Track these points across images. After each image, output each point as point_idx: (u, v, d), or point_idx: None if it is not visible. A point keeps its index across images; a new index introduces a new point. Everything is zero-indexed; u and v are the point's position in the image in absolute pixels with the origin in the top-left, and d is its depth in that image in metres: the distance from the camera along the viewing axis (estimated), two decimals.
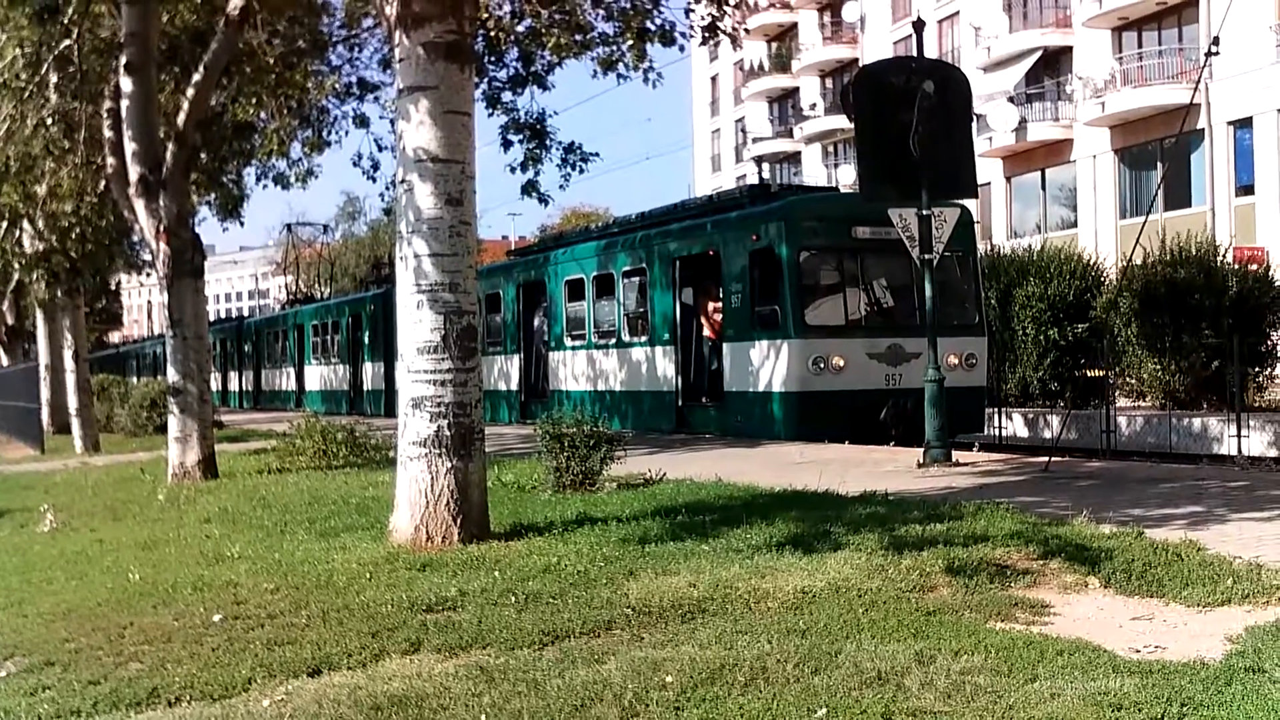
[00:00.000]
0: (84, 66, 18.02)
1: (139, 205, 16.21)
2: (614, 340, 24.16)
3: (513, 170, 19.38)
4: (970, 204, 19.88)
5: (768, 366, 19.58)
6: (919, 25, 15.82)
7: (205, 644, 6.75)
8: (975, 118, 22.51)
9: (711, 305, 21.49)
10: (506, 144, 19.27)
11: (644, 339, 23.14)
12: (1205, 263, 24.21)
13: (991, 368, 22.38)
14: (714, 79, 76.15)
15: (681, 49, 17.89)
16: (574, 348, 25.57)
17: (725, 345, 20.81)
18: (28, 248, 26.46)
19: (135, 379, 47.83)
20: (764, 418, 19.66)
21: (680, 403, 22.11)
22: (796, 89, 65.17)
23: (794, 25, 64.87)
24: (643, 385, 23.14)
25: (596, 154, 19.77)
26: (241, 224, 24.84)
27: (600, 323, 24.82)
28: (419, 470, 9.24)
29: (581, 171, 19.75)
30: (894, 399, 18.84)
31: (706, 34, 16.34)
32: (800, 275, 19.59)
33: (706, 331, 21.63)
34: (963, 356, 19.78)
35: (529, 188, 19.55)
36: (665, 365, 22.42)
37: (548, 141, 19.22)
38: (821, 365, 18.95)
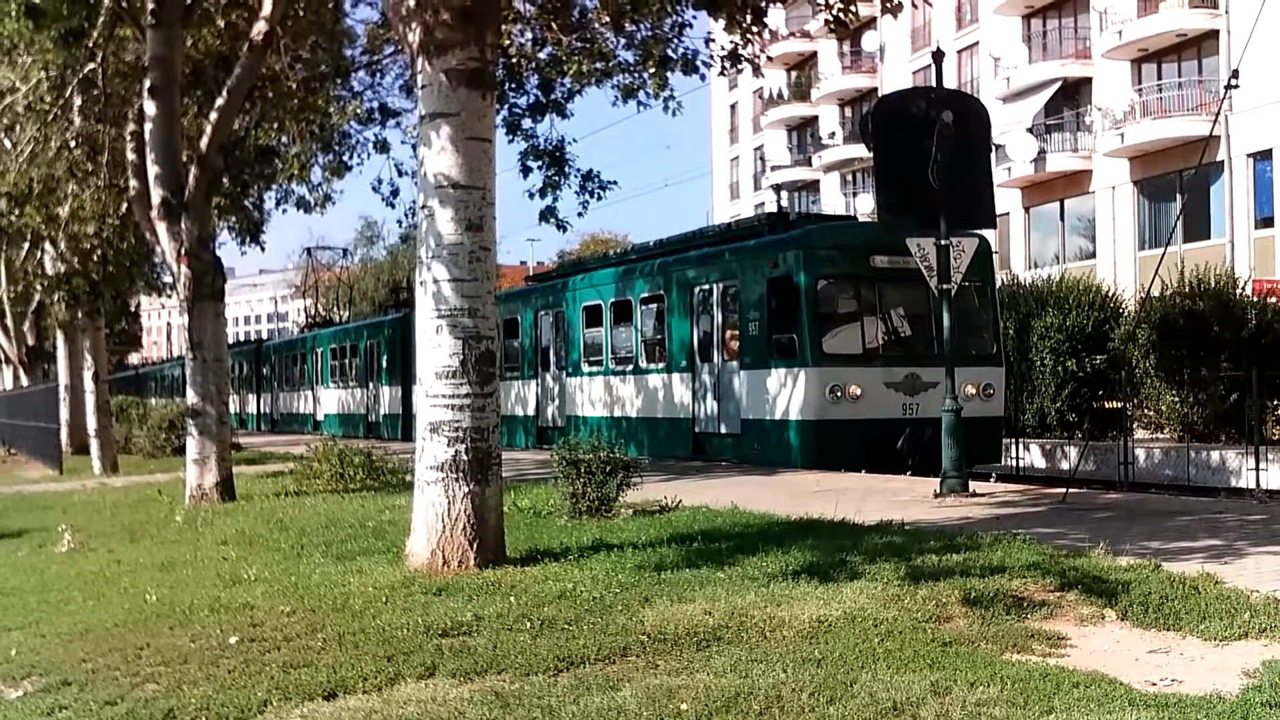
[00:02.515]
0: (108, 90, 18.18)
1: (161, 228, 16.31)
2: (631, 366, 24.18)
3: (531, 196, 19.54)
4: (989, 234, 19.90)
5: (785, 394, 19.56)
6: (938, 55, 15.85)
7: (221, 666, 6.77)
8: (994, 148, 22.52)
9: (729, 333, 21.48)
10: (526, 170, 19.41)
11: (661, 365, 23.16)
12: (1224, 295, 24.16)
13: (1009, 398, 22.32)
14: (733, 107, 76.32)
15: (703, 77, 18.01)
16: (591, 374, 25.60)
17: (742, 373, 20.79)
18: (49, 269, 26.64)
19: (154, 400, 48.02)
20: (781, 446, 19.63)
21: (697, 430, 22.11)
22: (815, 118, 65.30)
23: (813, 54, 65.00)
24: (659, 412, 23.14)
25: (615, 182, 19.90)
26: (262, 248, 25.06)
27: (618, 349, 24.85)
28: (436, 494, 9.26)
29: (600, 199, 19.88)
30: (911, 428, 18.81)
31: (727, 62, 16.42)
32: (818, 304, 19.60)
33: (723, 359, 21.62)
34: (980, 386, 19.74)
35: (547, 214, 19.67)
36: (682, 392, 22.42)
37: (566, 168, 19.34)
38: (839, 394, 18.92)
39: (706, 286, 21.97)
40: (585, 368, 25.86)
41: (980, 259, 18.31)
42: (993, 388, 20.13)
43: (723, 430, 21.46)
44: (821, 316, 19.64)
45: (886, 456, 18.45)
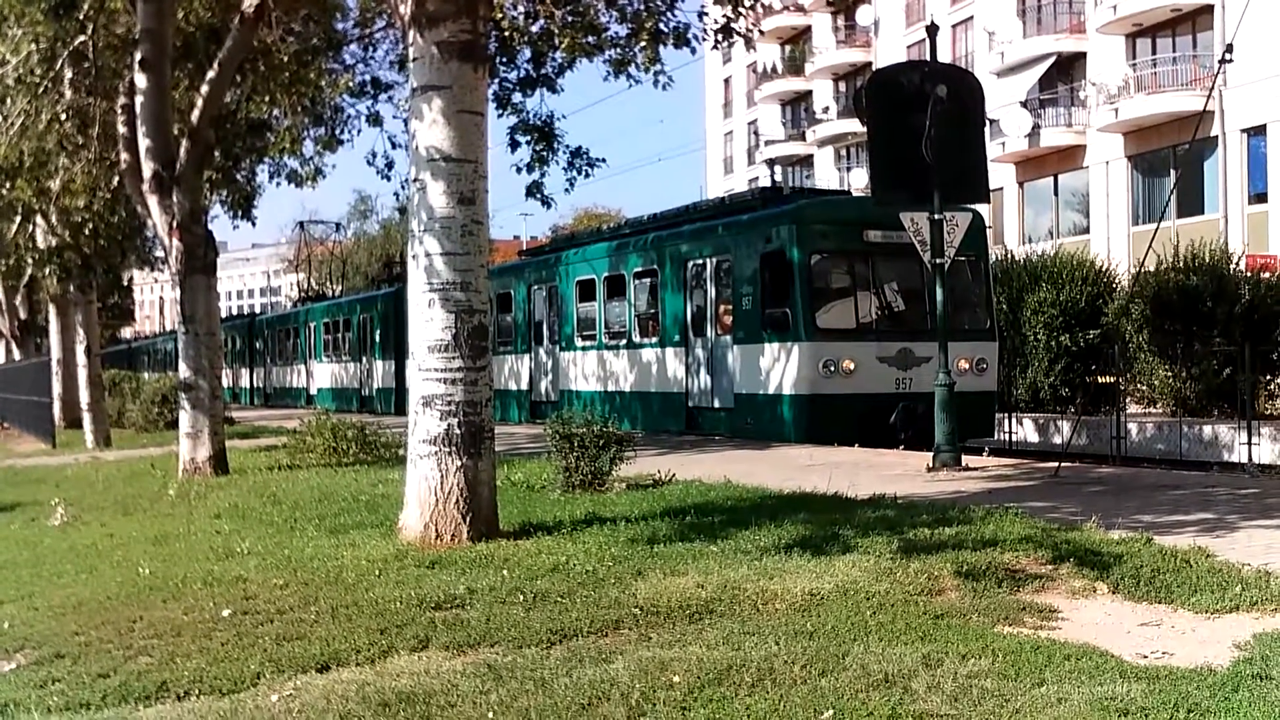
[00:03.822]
0: (99, 62, 18.09)
1: (152, 201, 16.26)
2: (624, 341, 24.17)
3: (519, 171, 19.47)
4: (983, 209, 19.85)
5: (778, 369, 19.56)
6: (933, 30, 15.81)
7: (214, 639, 6.78)
8: (988, 122, 22.45)
9: (723, 307, 21.49)
10: (514, 145, 19.33)
11: (654, 340, 23.15)
12: (1218, 270, 24.15)
13: (1002, 373, 22.34)
14: (727, 81, 76.09)
15: (694, 51, 17.93)
16: (584, 348, 25.59)
17: (736, 347, 20.79)
18: (41, 243, 26.56)
19: (147, 374, 47.95)
20: (774, 420, 19.66)
21: (690, 404, 22.13)
22: (809, 92, 65.11)
23: (807, 28, 64.81)
24: (653, 386, 23.15)
25: (603, 159, 19.82)
26: (253, 222, 24.94)
27: (611, 323, 24.84)
28: (429, 468, 9.26)
29: (587, 175, 19.80)
30: (904, 403, 18.83)
31: (720, 36, 16.35)
32: (811, 278, 19.58)
33: (717, 333, 21.61)
34: (973, 361, 19.76)
35: (533, 189, 19.61)
36: (675, 366, 22.42)
37: (555, 144, 19.27)
38: (832, 368, 18.94)
39: (700, 261, 21.95)
40: (579, 342, 25.85)
41: (974, 233, 18.28)
42: (986, 362, 20.15)
43: (716, 405, 21.48)
44: (815, 291, 19.64)
45: (879, 431, 18.47)
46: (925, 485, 12.56)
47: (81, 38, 17.45)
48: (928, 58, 15.85)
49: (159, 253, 29.88)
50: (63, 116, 18.95)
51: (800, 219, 19.97)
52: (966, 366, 19.39)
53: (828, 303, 19.88)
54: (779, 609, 6.94)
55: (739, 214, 22.15)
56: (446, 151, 9.30)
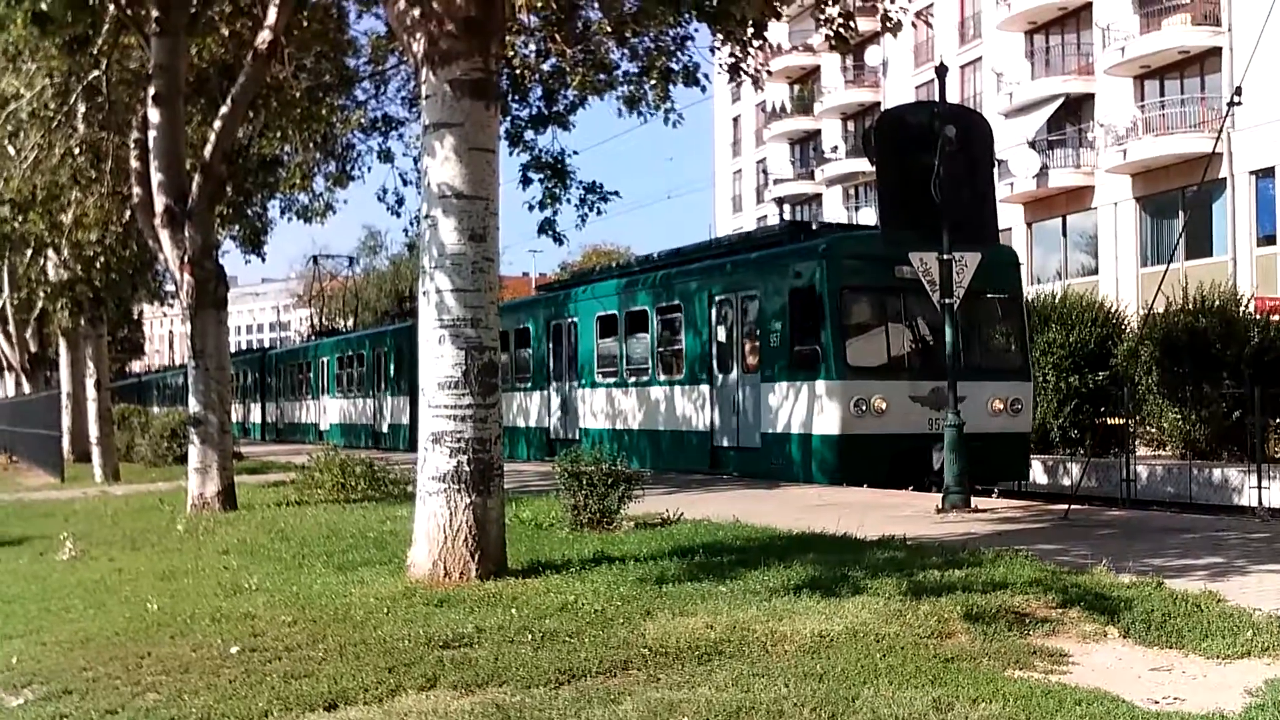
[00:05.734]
0: (112, 97, 18.24)
1: (164, 236, 16.32)
2: (645, 378, 23.84)
3: (531, 208, 19.56)
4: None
5: (807, 408, 19.08)
6: (941, 70, 15.86)
7: (222, 675, 6.76)
8: (997, 163, 22.47)
9: (748, 344, 20.98)
10: (526, 181, 19.42)
11: (677, 378, 22.78)
12: (1227, 312, 24.17)
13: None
14: (736, 120, 76.41)
15: (704, 89, 18.06)
16: (604, 385, 25.26)
17: (763, 385, 20.26)
18: (52, 276, 26.68)
19: (156, 409, 48.00)
20: (802, 461, 19.19)
21: (714, 444, 21.68)
22: (818, 131, 65.40)
23: (816, 68, 65.12)
24: (676, 425, 22.75)
25: (616, 193, 19.88)
26: (263, 258, 25.16)
27: (632, 360, 24.45)
28: (438, 505, 9.25)
29: (600, 212, 19.87)
30: (938, 444, 18.39)
31: (730, 75, 16.45)
32: (841, 314, 19.09)
33: (742, 371, 21.14)
34: (1008, 402, 19.34)
35: (546, 226, 19.66)
36: (699, 405, 22.02)
37: (568, 180, 19.35)
38: (863, 407, 18.42)
39: (725, 297, 21.55)
40: (598, 379, 25.48)
41: (1008, 271, 17.90)
42: (1020, 403, 19.64)
43: (741, 444, 20.97)
44: (845, 328, 19.12)
45: (912, 472, 17.95)
46: (934, 527, 12.51)
47: (95, 73, 17.60)
48: (936, 98, 15.89)
49: (170, 287, 29.98)
50: (76, 150, 19.10)
51: (830, 254, 19.42)
52: (1001, 407, 19.03)
53: (858, 340, 19.35)
54: (788, 650, 6.91)
55: (765, 249, 21.66)
56: (458, 188, 9.33)
